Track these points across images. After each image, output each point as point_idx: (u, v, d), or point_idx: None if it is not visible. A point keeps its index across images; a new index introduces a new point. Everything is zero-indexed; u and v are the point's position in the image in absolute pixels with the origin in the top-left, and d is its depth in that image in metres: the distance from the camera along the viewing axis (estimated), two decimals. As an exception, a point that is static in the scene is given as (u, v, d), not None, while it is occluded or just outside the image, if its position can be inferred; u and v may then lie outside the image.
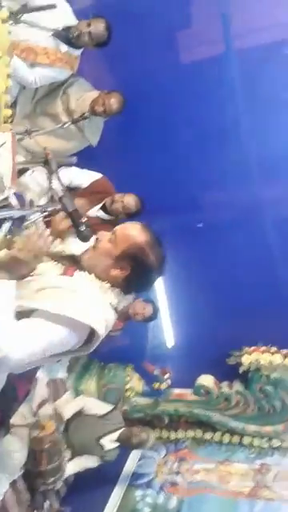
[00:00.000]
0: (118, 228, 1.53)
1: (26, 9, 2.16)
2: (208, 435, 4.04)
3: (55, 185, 1.59)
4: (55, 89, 3.31)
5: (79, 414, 3.53)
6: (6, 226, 1.77)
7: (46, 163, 2.16)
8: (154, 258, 1.50)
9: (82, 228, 1.52)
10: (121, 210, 3.15)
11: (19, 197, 1.92)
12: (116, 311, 1.54)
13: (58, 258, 1.57)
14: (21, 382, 2.78)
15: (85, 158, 3.32)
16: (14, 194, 1.85)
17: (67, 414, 3.36)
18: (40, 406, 3.18)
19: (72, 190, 3.16)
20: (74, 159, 2.21)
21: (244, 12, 3.55)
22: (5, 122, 1.92)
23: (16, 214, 1.47)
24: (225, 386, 3.93)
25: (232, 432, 3.95)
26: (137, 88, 3.56)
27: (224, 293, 3.85)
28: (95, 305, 1.45)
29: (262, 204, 3.84)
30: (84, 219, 1.55)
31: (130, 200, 3.16)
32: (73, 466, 3.41)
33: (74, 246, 1.71)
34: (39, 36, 2.94)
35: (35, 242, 1.43)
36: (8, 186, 1.74)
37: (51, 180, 1.63)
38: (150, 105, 3.67)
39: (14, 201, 1.86)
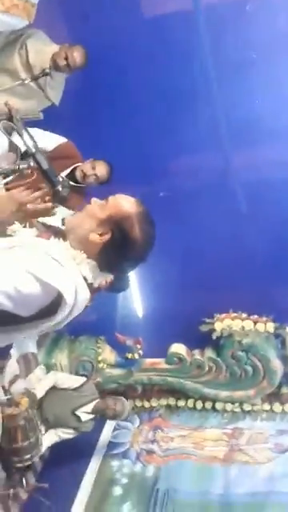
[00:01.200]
0: (111, 196, 1.39)
1: None
2: (181, 402, 4.02)
3: (26, 140, 1.38)
4: (12, 42, 3.03)
5: (52, 389, 3.41)
6: None
7: (9, 120, 1.94)
8: (138, 233, 1.35)
9: (59, 187, 1.34)
10: (94, 182, 3.01)
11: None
12: (90, 287, 1.38)
13: (34, 223, 1.41)
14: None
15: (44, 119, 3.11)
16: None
17: (40, 392, 3.23)
18: (12, 382, 3.04)
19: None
20: (41, 115, 2.00)
21: None
22: None
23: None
24: (197, 353, 3.90)
25: (205, 398, 3.95)
26: (97, 44, 3.31)
27: (193, 261, 3.77)
28: (67, 271, 1.29)
29: (228, 170, 3.75)
30: (60, 178, 1.37)
31: (102, 171, 3.04)
32: (49, 440, 3.32)
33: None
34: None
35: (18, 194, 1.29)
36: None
37: (22, 136, 1.42)
38: (111, 63, 3.42)
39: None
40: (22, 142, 1.42)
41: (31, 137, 1.53)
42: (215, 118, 3.51)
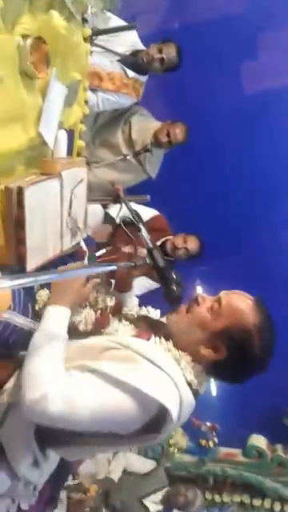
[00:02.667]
0: (223, 296, 1.23)
1: (103, 30, 1.94)
2: (257, 502, 3.61)
3: (143, 232, 1.31)
4: (116, 117, 3.10)
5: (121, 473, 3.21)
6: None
7: (116, 201, 1.92)
8: (260, 348, 1.18)
9: (174, 286, 1.23)
10: (183, 256, 2.94)
11: (89, 241, 1.67)
12: (195, 394, 1.20)
13: (132, 319, 1.30)
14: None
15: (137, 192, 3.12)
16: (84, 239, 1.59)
17: (116, 476, 3.04)
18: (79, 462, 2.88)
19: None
20: (148, 197, 1.97)
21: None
22: (77, 155, 1.67)
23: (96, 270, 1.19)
24: (279, 449, 3.54)
25: (284, 500, 3.52)
26: (196, 119, 3.33)
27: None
28: (170, 380, 1.12)
29: None
30: (174, 275, 1.26)
31: (193, 245, 2.97)
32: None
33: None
34: (105, 60, 2.75)
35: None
36: (81, 230, 1.48)
37: (137, 222, 1.36)
38: (209, 139, 3.42)
39: (84, 246, 1.61)
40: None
41: (144, 226, 1.46)
42: None
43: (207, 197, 3.52)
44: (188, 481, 3.61)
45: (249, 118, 3.49)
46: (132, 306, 1.42)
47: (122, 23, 2.68)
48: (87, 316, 1.27)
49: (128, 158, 2.88)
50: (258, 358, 1.19)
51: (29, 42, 1.21)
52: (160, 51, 2.75)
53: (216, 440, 3.62)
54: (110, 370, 1.08)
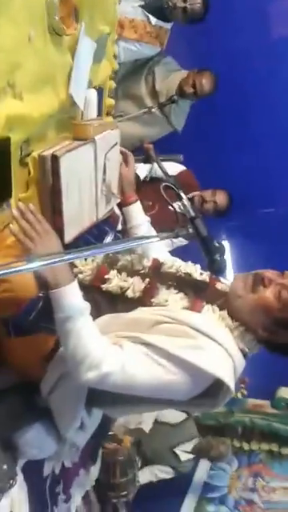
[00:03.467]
0: None
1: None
2: (285, 450, 3.71)
3: (184, 200, 1.25)
4: (139, 67, 2.95)
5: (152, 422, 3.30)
6: (108, 240, 1.49)
7: (147, 160, 1.84)
8: None
9: (217, 257, 1.18)
10: (212, 210, 2.84)
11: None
12: (245, 355, 1.22)
13: (178, 283, 1.27)
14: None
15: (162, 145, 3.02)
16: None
17: (149, 425, 3.13)
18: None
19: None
20: (181, 157, 1.89)
21: None
22: (107, 114, 1.60)
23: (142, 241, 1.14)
24: (308, 400, 3.58)
25: (313, 449, 3.62)
26: (226, 68, 3.16)
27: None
28: (224, 351, 1.14)
29: None
30: (216, 243, 1.21)
31: (222, 199, 2.87)
32: (145, 478, 3.21)
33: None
34: (126, 6, 2.59)
35: None
36: (115, 195, 1.43)
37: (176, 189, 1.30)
38: (237, 89, 3.25)
39: (118, 211, 1.56)
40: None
41: (179, 189, 1.40)
42: None
43: (236, 150, 3.39)
44: (217, 430, 3.72)
45: (279, 65, 3.29)
46: (171, 262, 1.38)
47: None
48: (135, 283, 1.24)
49: (153, 110, 2.77)
50: None
51: (57, -5, 1.12)
52: (184, 0, 2.57)
53: (245, 392, 3.68)
54: (164, 345, 1.09)
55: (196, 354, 1.09)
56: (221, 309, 1.23)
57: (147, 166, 2.82)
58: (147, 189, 2.79)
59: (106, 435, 2.40)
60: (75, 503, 1.94)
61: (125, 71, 2.95)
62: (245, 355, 1.22)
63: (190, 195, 3.01)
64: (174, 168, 3.00)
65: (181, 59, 3.05)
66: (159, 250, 1.45)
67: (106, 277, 1.24)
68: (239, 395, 3.67)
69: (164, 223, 2.83)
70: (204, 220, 2.94)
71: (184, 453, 3.25)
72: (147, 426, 3.21)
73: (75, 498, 1.85)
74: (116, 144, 1.37)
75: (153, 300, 1.22)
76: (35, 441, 1.32)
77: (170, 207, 2.58)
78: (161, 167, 1.58)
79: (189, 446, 3.30)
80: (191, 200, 2.98)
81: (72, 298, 1.09)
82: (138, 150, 2.35)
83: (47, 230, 1.07)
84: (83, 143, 1.22)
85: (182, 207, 1.41)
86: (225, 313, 1.22)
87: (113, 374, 1.07)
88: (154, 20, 2.68)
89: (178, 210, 2.73)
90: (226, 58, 3.20)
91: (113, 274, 1.24)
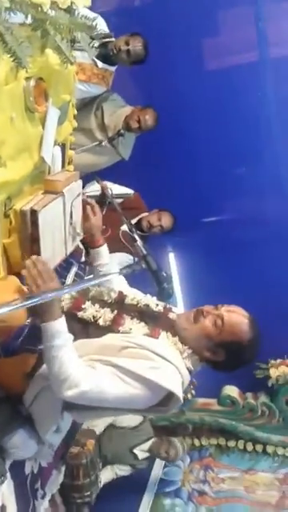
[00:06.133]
0: (225, 314, 1.55)
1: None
2: (231, 443, 4.08)
3: (138, 242, 1.55)
4: (88, 103, 3.25)
5: (110, 426, 3.56)
6: (73, 270, 1.77)
7: (102, 197, 2.13)
8: (250, 355, 1.57)
9: (165, 285, 1.50)
10: (158, 233, 3.19)
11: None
12: (191, 374, 1.56)
13: (139, 314, 1.58)
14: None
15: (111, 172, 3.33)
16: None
17: (100, 429, 3.39)
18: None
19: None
20: (132, 194, 2.18)
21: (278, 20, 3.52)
22: (69, 163, 1.89)
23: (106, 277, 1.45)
24: (250, 396, 3.98)
25: (255, 441, 4.00)
26: (165, 100, 3.52)
27: (251, 305, 3.86)
28: (175, 369, 1.47)
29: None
30: (164, 273, 1.54)
31: (167, 221, 3.21)
32: (106, 476, 3.45)
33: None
34: (75, 51, 2.87)
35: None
36: (79, 233, 1.72)
37: (132, 232, 1.60)
38: (177, 117, 3.61)
39: (81, 245, 1.85)
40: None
41: (132, 227, 1.70)
42: (279, 174, 3.63)
43: (177, 173, 3.75)
44: (170, 430, 4.04)
45: (213, 95, 3.68)
46: (133, 295, 1.69)
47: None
48: (106, 313, 1.54)
49: (103, 144, 3.10)
50: (248, 361, 1.59)
51: (32, 83, 1.40)
52: (127, 43, 2.89)
53: (194, 392, 4.02)
54: (129, 366, 1.40)
55: (154, 372, 1.41)
56: (173, 335, 1.55)
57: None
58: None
59: (75, 436, 2.64)
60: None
61: (76, 107, 3.24)
62: (190, 372, 1.55)
63: (137, 218, 3.34)
64: (123, 190, 3.33)
65: (125, 95, 3.38)
66: (121, 282, 1.77)
67: (83, 306, 1.54)
68: (189, 396, 4.01)
69: (115, 243, 3.17)
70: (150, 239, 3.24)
71: (141, 452, 3.54)
72: (99, 429, 3.45)
73: (48, 495, 2.11)
74: (79, 194, 1.66)
75: (119, 328, 1.52)
76: (20, 443, 1.58)
77: (122, 231, 2.87)
78: (115, 205, 1.88)
79: (146, 445, 3.59)
80: (138, 222, 3.30)
81: (60, 329, 1.36)
82: (88, 176, 2.66)
83: (51, 277, 1.36)
84: (55, 197, 1.51)
85: (129, 231, 1.73)
86: (176, 339, 1.55)
87: (88, 392, 1.35)
88: (100, 64, 2.99)
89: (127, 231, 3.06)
90: (164, 93, 3.58)
91: (88, 304, 1.55)
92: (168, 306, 1.68)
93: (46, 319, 1.35)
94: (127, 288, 1.79)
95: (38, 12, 1.28)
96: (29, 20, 1.30)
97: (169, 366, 1.44)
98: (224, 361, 1.55)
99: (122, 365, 1.39)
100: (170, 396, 1.45)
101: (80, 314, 1.54)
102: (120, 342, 1.47)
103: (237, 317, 1.56)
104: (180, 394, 1.44)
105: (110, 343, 1.48)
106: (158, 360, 1.43)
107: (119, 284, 1.74)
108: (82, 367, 1.38)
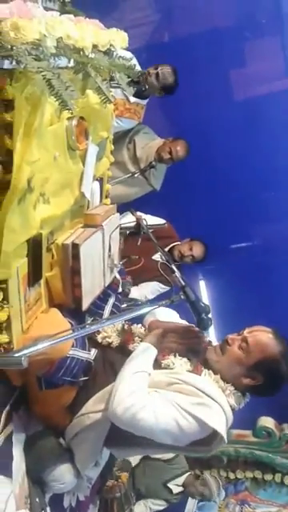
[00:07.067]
0: (248, 335, 1.55)
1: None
2: (268, 476, 3.95)
3: (176, 273, 1.57)
4: (121, 137, 3.34)
5: (144, 459, 3.51)
6: (111, 301, 1.79)
7: (137, 229, 2.16)
8: (286, 368, 1.53)
9: (204, 315, 1.51)
10: (190, 262, 3.21)
11: (121, 271, 1.94)
12: (233, 411, 1.55)
13: (184, 352, 1.58)
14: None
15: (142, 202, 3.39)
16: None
17: (135, 460, 3.35)
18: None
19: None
20: (166, 224, 2.20)
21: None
22: (106, 197, 1.93)
23: (142, 309, 1.47)
24: (286, 428, 3.86)
25: (293, 474, 3.87)
26: (194, 131, 3.58)
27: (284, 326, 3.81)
28: (220, 408, 1.46)
29: None
30: (202, 303, 1.54)
31: (198, 251, 3.22)
32: (140, 510, 3.39)
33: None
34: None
35: None
36: (117, 265, 1.75)
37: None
38: (206, 147, 3.66)
39: (118, 276, 1.88)
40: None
41: (168, 258, 1.72)
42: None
43: (209, 202, 3.79)
44: (203, 462, 3.94)
45: (243, 125, 3.74)
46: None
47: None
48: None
49: (136, 175, 3.17)
50: (287, 375, 1.53)
51: (74, 122, 1.46)
52: (156, 68, 2.98)
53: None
54: (179, 401, 1.42)
55: (201, 409, 1.41)
56: (215, 373, 1.56)
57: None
58: (133, 242, 3.13)
59: (112, 471, 2.62)
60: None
61: (111, 142, 3.34)
62: (233, 410, 1.54)
63: (169, 247, 3.37)
64: (156, 221, 3.37)
65: (156, 127, 3.47)
66: (170, 314, 1.78)
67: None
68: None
69: (148, 272, 3.19)
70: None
71: (176, 486, 3.47)
72: (134, 461, 3.40)
73: (86, 529, 2.08)
74: (118, 226, 1.70)
75: (162, 362, 1.54)
76: (60, 477, 1.58)
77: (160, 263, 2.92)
78: (150, 236, 1.91)
79: (180, 480, 3.52)
80: (170, 251, 3.32)
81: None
82: (122, 206, 2.71)
83: None
84: (95, 230, 1.55)
85: (167, 262, 1.75)
86: (218, 377, 1.55)
87: (145, 412, 1.38)
88: (132, 98, 3.08)
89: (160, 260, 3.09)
90: (194, 125, 3.65)
91: (138, 340, 1.60)
92: (208, 339, 1.68)
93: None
94: (177, 319, 1.80)
95: (80, 56, 1.34)
96: (71, 63, 1.37)
97: (214, 404, 1.44)
98: (265, 382, 1.53)
99: (174, 399, 1.41)
100: (213, 435, 1.44)
101: (131, 346, 1.58)
102: (166, 378, 1.49)
103: (260, 334, 1.55)
104: (224, 433, 1.44)
105: (159, 379, 1.50)
106: (204, 397, 1.43)
107: (168, 316, 1.74)
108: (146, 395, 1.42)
